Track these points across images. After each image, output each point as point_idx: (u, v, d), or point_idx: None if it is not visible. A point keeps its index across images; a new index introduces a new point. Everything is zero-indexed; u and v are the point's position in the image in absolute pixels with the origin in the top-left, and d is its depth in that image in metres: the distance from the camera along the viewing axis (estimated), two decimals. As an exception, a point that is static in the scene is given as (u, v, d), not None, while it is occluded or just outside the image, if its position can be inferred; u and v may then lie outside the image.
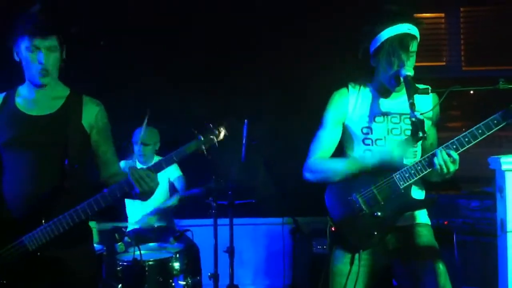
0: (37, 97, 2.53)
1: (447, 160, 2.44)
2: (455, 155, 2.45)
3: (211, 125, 2.47)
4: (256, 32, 5.07)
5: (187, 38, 5.08)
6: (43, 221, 2.39)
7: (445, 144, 2.50)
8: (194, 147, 2.44)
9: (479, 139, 2.47)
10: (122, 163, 4.44)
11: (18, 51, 2.48)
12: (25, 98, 2.54)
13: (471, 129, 2.48)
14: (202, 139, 2.45)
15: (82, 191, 2.52)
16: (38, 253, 2.40)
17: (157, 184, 2.47)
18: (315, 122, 2.75)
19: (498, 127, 2.45)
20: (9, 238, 2.40)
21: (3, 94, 2.59)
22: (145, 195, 2.50)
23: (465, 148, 2.48)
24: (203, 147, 2.44)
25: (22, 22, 2.42)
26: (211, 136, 2.46)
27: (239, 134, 3.96)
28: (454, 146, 2.47)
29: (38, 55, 2.42)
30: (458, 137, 2.48)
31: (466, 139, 2.47)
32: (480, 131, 2.46)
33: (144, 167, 4.43)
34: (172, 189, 4.70)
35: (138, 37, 4.97)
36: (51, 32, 2.44)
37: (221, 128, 2.48)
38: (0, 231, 2.42)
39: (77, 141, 2.51)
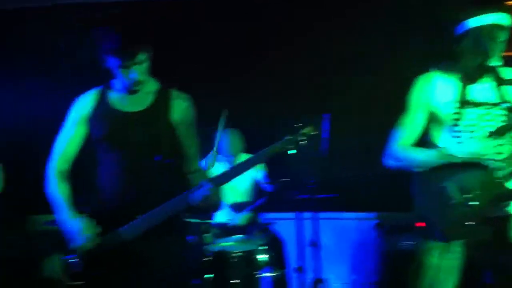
0: (129, 92, 2.58)
1: None
2: None
3: (298, 125, 2.47)
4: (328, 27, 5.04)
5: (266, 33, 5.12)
6: (137, 214, 2.46)
7: None
8: (280, 148, 2.44)
9: None
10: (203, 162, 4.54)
11: (108, 64, 2.51)
12: (117, 94, 2.61)
13: None
14: (288, 138, 2.45)
15: (173, 185, 2.57)
16: (131, 245, 2.47)
17: (216, 203, 2.49)
18: (399, 115, 2.70)
19: None
20: (104, 229, 2.49)
21: (97, 89, 2.66)
22: (204, 211, 2.51)
23: None
24: (289, 147, 2.44)
25: (107, 42, 2.42)
26: (298, 137, 2.45)
27: (320, 127, 3.96)
28: None
29: (130, 72, 2.47)
30: None
31: None
32: None
33: (230, 164, 4.52)
34: (257, 186, 4.75)
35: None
36: (139, 50, 2.46)
37: (308, 128, 2.47)
38: (96, 222, 2.50)
39: (167, 137, 2.56)
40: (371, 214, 4.94)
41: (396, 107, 2.72)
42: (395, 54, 4.85)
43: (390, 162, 2.65)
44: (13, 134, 5.10)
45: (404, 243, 4.54)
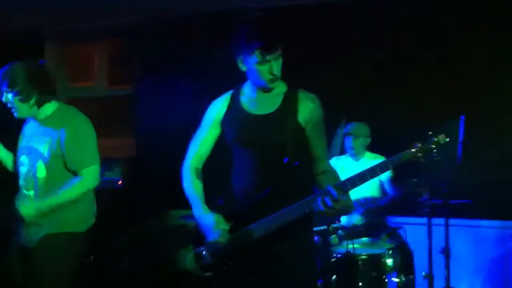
0: (259, 95, 2.67)
1: None
2: None
3: (431, 133, 2.41)
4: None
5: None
6: (267, 214, 2.51)
7: None
8: (410, 155, 2.40)
9: None
10: (333, 160, 4.57)
11: (246, 63, 2.58)
12: (248, 97, 2.70)
13: None
14: (419, 146, 2.40)
15: (302, 186, 2.59)
16: (260, 243, 2.54)
17: (343, 210, 2.47)
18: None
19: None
20: (235, 226, 2.59)
21: (230, 92, 2.77)
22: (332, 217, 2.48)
23: None
24: (420, 155, 2.39)
25: (250, 38, 2.50)
26: (430, 145, 2.39)
27: (455, 132, 3.81)
28: None
29: (269, 67, 2.53)
30: None
31: None
32: None
33: (355, 161, 4.53)
34: (383, 188, 4.67)
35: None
36: (279, 45, 2.54)
37: (441, 136, 2.40)
38: (227, 220, 2.61)
39: (294, 139, 2.58)
40: (509, 223, 4.67)
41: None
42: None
43: None
44: (156, 133, 5.46)
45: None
